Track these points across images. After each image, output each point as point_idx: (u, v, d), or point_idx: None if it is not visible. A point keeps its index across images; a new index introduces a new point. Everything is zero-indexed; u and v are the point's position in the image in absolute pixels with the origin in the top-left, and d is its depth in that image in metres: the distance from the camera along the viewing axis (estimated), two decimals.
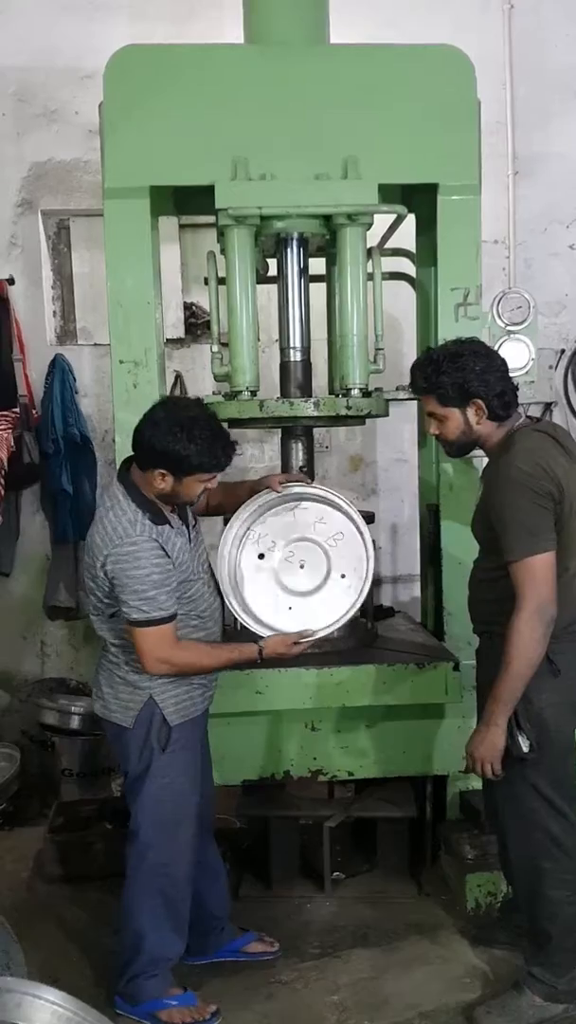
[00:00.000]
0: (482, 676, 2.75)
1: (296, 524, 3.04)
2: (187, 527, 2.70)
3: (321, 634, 2.87)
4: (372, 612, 3.75)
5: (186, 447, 2.46)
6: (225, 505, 3.06)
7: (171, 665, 2.57)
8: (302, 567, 3.01)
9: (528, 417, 2.73)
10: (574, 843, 2.64)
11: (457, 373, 2.58)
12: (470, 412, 2.62)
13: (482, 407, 2.60)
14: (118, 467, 2.75)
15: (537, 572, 2.44)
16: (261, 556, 3.01)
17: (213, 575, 2.87)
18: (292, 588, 2.99)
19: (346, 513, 3.04)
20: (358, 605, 2.98)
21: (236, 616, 2.95)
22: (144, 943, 2.72)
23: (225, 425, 2.70)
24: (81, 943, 3.17)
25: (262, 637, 2.79)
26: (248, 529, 3.02)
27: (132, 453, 2.64)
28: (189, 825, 2.74)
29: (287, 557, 3.01)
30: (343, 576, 2.99)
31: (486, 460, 2.78)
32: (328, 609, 2.94)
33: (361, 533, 3.02)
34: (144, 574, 2.48)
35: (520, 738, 2.52)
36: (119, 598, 2.52)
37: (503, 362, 2.68)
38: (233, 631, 3.22)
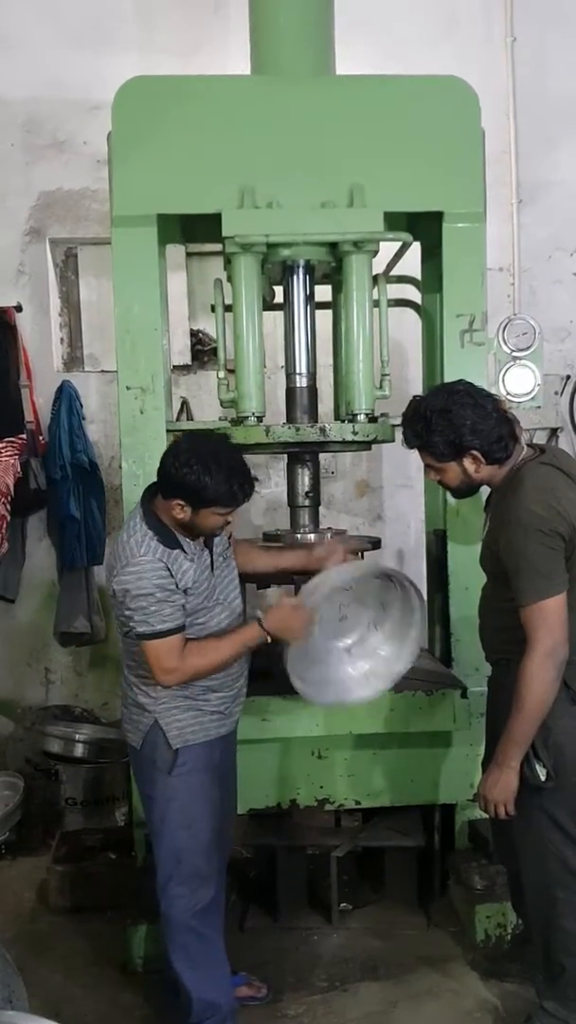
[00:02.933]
0: (496, 706, 2.71)
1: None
2: (210, 555, 2.68)
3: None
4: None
5: (201, 480, 2.46)
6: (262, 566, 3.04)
7: (181, 674, 2.55)
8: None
9: (530, 447, 2.68)
10: None
11: (448, 430, 2.51)
12: (467, 463, 2.57)
13: (479, 457, 2.55)
14: (142, 493, 2.72)
15: (549, 616, 2.42)
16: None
17: (241, 603, 2.82)
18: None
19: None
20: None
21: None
22: (187, 984, 2.64)
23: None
24: (85, 975, 3.13)
25: (257, 618, 2.69)
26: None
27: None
28: (208, 852, 2.68)
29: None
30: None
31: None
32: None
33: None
34: (147, 591, 2.49)
35: (537, 767, 2.49)
36: (127, 616, 2.53)
37: (495, 405, 2.59)
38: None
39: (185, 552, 2.59)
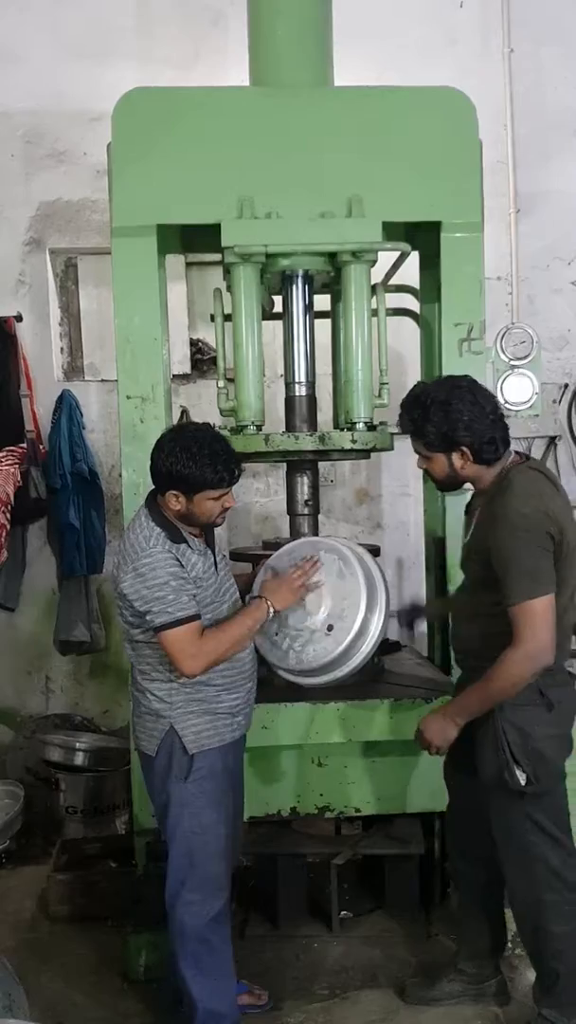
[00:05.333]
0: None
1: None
2: (212, 553, 2.73)
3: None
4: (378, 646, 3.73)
5: (187, 465, 2.53)
6: None
7: (204, 658, 2.56)
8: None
9: (517, 453, 2.71)
10: (574, 875, 2.62)
11: (444, 422, 2.54)
12: (455, 457, 2.60)
13: (467, 454, 2.58)
14: (145, 497, 2.76)
15: (537, 616, 2.43)
16: None
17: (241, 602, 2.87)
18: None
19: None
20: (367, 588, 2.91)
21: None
22: (193, 993, 2.63)
23: None
24: (85, 984, 3.12)
25: (257, 596, 2.79)
26: None
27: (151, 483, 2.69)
28: (220, 858, 2.68)
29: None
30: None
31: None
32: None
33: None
34: (161, 581, 2.52)
35: (517, 772, 2.52)
36: (143, 612, 2.54)
37: (495, 406, 2.63)
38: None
39: (191, 547, 2.64)
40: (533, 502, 2.47)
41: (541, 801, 2.57)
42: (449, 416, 2.54)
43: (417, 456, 2.72)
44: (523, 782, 2.52)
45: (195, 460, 2.53)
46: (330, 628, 2.89)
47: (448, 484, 2.72)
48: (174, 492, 2.58)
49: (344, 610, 2.89)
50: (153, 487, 2.69)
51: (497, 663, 2.46)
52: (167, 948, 2.74)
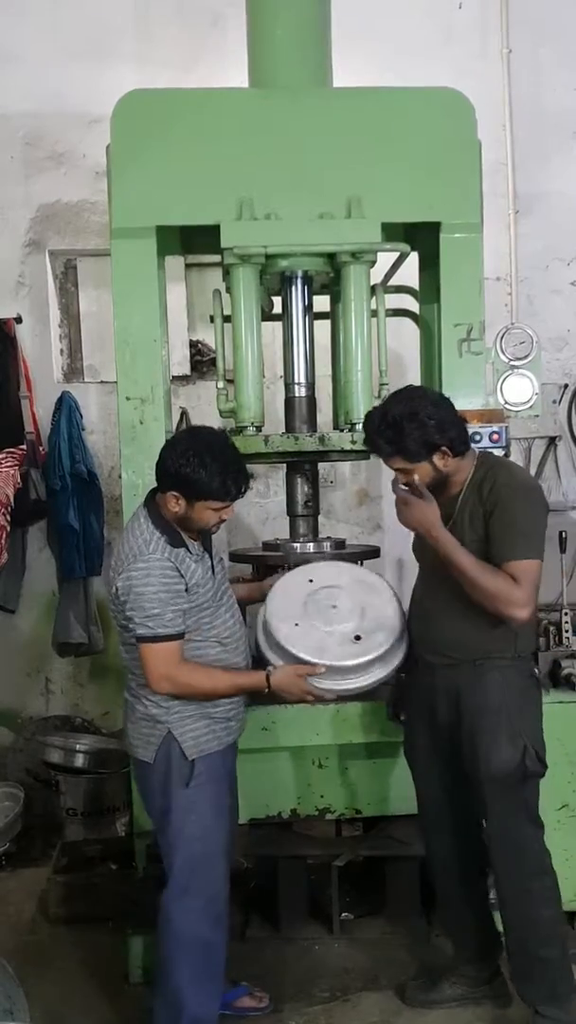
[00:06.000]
0: (469, 710, 2.69)
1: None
2: (209, 557, 2.72)
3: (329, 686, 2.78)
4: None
5: (196, 471, 2.50)
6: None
7: (174, 684, 2.55)
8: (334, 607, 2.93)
9: None
10: (550, 857, 2.73)
11: (419, 431, 2.60)
12: (436, 459, 2.66)
13: (447, 451, 2.66)
14: (145, 496, 2.75)
15: (533, 575, 2.55)
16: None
17: (238, 604, 2.86)
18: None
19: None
20: (380, 674, 2.87)
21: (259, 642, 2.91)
22: (183, 999, 2.58)
23: None
24: (86, 987, 3.12)
25: (273, 666, 2.75)
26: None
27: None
28: (220, 863, 2.67)
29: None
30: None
31: None
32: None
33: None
34: (152, 591, 2.50)
35: (535, 756, 2.64)
36: (127, 616, 2.53)
37: (449, 401, 2.74)
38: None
39: (190, 551, 2.62)
40: (534, 478, 2.58)
41: (533, 784, 2.69)
42: (424, 425, 2.60)
43: (396, 474, 2.76)
44: (540, 765, 2.64)
45: (205, 467, 2.50)
46: (357, 638, 2.84)
47: (434, 488, 2.74)
48: (175, 494, 2.56)
49: (375, 631, 2.85)
50: (154, 486, 2.67)
51: (500, 576, 2.53)
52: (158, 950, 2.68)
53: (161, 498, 2.62)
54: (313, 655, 2.75)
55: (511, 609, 2.52)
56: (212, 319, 3.58)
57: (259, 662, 2.85)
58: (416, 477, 2.69)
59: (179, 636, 2.55)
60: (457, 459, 2.69)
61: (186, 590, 2.57)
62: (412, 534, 2.84)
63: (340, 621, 2.86)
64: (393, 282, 3.91)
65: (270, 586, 3.02)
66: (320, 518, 3.82)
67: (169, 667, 2.53)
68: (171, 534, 2.59)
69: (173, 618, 2.53)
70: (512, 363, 3.66)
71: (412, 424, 2.60)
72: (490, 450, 3.16)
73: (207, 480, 2.51)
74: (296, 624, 2.83)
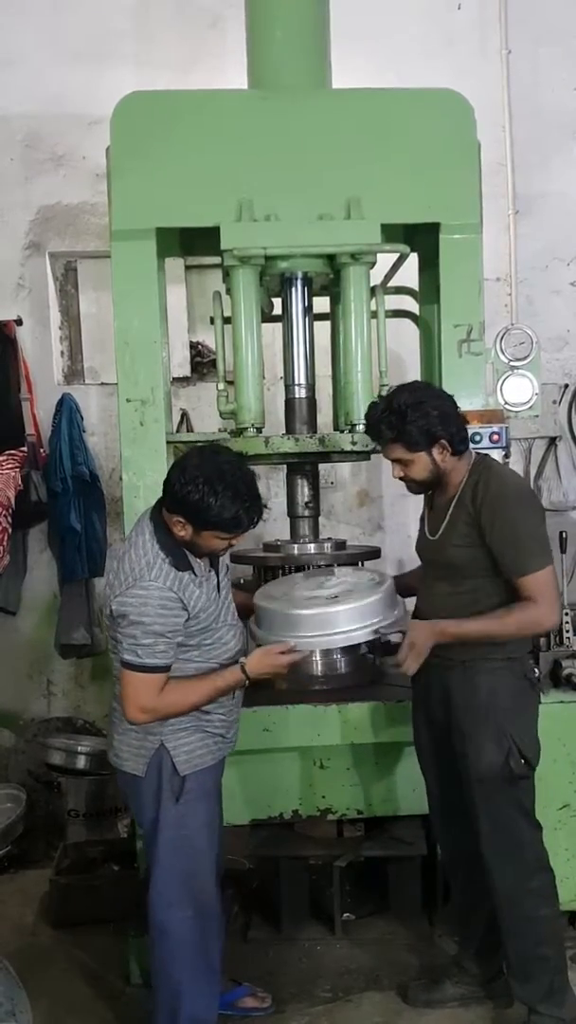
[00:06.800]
0: (461, 708, 2.71)
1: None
2: (216, 574, 2.61)
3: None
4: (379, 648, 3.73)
5: (204, 499, 2.34)
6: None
7: (154, 714, 2.46)
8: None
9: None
10: (547, 854, 2.74)
11: (422, 419, 2.63)
12: (435, 452, 2.68)
13: (447, 446, 2.67)
14: (152, 507, 2.61)
15: (551, 584, 2.58)
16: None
17: (240, 621, 2.78)
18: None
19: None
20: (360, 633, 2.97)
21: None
22: (182, 1001, 2.57)
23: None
24: (87, 988, 3.13)
25: (244, 658, 2.64)
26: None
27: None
28: (210, 875, 2.64)
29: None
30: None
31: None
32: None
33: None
34: (148, 621, 2.39)
35: (519, 758, 2.63)
36: (118, 635, 2.44)
37: (453, 401, 2.77)
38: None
39: (195, 575, 2.50)
40: (526, 483, 2.59)
41: (526, 785, 2.69)
42: (427, 414, 2.63)
43: (393, 465, 2.78)
44: (525, 767, 2.63)
45: (215, 496, 2.33)
46: (335, 597, 2.99)
47: (429, 483, 2.77)
48: (180, 519, 2.42)
49: (353, 592, 3.00)
50: (159, 496, 2.54)
51: (515, 610, 2.57)
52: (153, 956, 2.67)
53: (168, 516, 2.47)
54: (289, 611, 2.93)
55: (541, 628, 2.63)
56: (212, 320, 3.59)
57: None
58: (412, 471, 2.70)
59: (166, 668, 2.43)
60: (455, 458, 2.70)
61: (188, 619, 2.47)
62: (411, 535, 2.90)
63: (324, 588, 3.04)
64: (393, 283, 3.91)
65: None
66: (321, 519, 3.82)
67: (150, 699, 2.42)
68: (176, 555, 2.45)
69: (164, 650, 2.41)
70: (512, 363, 3.66)
71: (416, 412, 2.63)
72: (490, 451, 3.16)
73: (217, 511, 2.35)
74: (280, 597, 3.01)
